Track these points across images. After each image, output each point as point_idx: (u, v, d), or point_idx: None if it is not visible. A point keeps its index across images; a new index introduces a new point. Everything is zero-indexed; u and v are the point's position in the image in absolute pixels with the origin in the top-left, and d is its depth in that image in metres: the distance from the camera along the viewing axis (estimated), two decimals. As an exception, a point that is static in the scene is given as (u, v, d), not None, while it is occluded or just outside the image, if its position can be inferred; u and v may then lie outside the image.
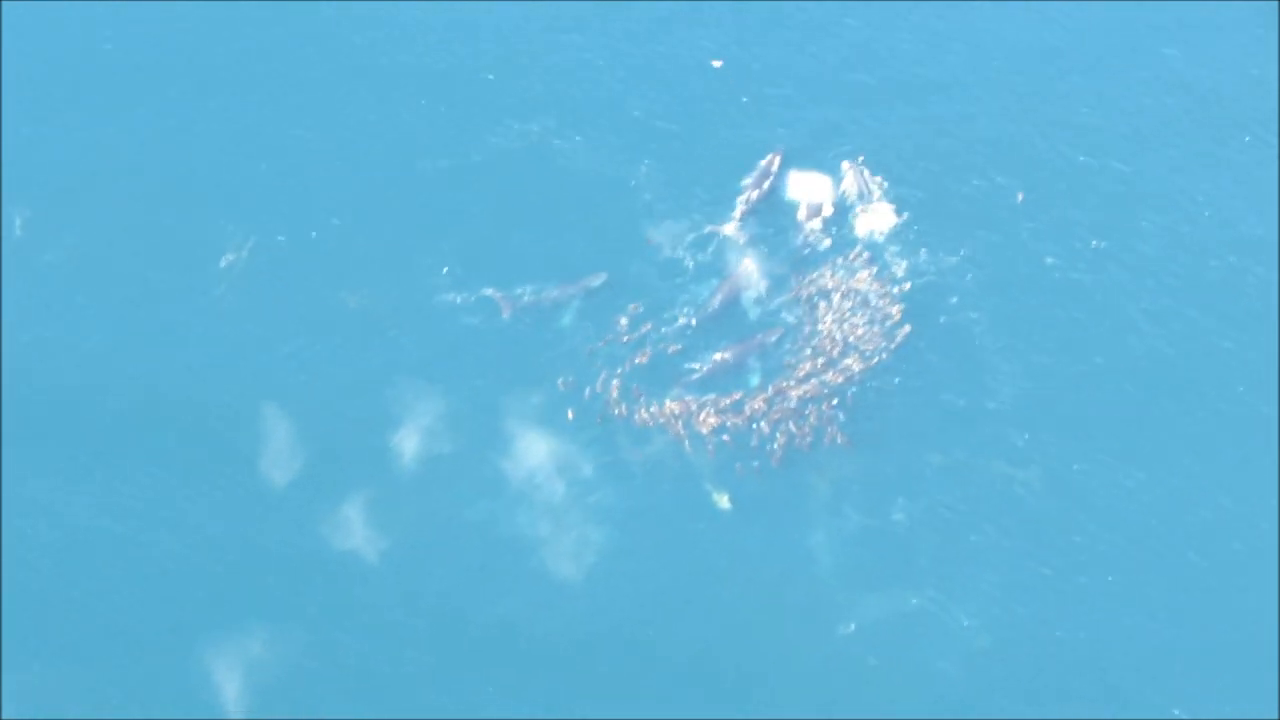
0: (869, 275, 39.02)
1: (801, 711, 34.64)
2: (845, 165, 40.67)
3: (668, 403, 37.63)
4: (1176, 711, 34.41)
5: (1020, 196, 40.39)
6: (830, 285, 38.99)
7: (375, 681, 34.95)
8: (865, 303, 38.63)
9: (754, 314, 38.86)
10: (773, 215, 40.28)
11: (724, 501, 36.63)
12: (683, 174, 40.94)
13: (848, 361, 37.97)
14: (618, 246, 39.88)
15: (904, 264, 39.28)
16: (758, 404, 37.46)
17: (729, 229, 40.01)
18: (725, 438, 37.20)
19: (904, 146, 41.21)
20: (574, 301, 39.06)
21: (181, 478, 37.08)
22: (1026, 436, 37.27)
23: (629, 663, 35.16)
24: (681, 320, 38.76)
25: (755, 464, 36.93)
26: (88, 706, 34.81)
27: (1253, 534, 36.13)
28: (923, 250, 39.48)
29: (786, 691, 34.82)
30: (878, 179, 40.43)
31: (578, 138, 41.62)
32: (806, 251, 39.66)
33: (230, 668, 34.92)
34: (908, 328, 38.30)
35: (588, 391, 37.91)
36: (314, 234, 40.35)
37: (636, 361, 38.22)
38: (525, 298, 39.13)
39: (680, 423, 37.36)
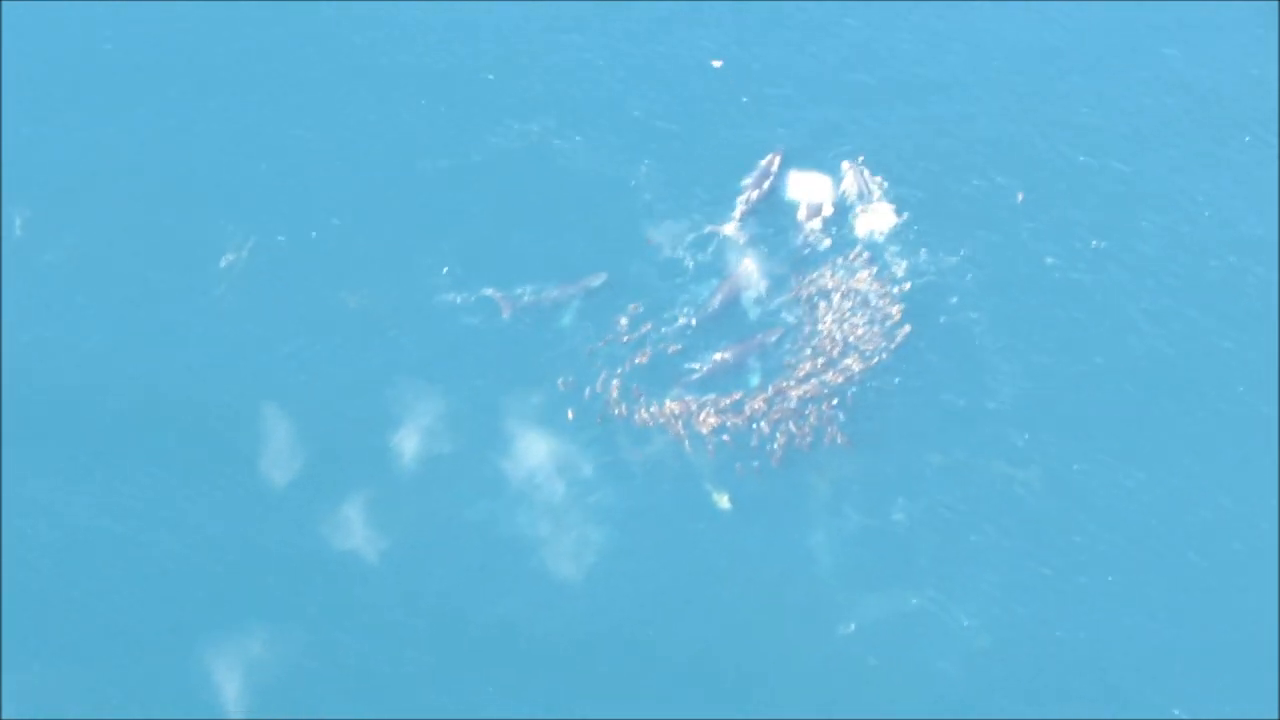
0: (869, 275, 38.93)
1: (801, 711, 34.56)
2: (845, 165, 40.58)
3: (668, 403, 37.55)
4: (1177, 711, 34.32)
5: (1020, 196, 40.30)
6: (830, 285, 38.90)
7: (375, 681, 34.87)
8: (865, 303, 38.54)
9: (754, 314, 38.78)
10: (773, 215, 40.19)
11: (724, 501, 36.55)
12: (683, 174, 40.85)
13: (848, 361, 37.88)
14: (618, 246, 39.79)
15: (904, 264, 39.19)
16: (758, 404, 37.37)
17: (729, 229, 39.93)
18: (725, 438, 37.11)
19: (904, 146, 41.12)
20: (574, 301, 38.97)
21: (181, 477, 36.99)
22: (1026, 436, 37.18)
23: (629, 663, 35.07)
24: (681, 320, 38.68)
25: (755, 464, 36.84)
26: (88, 706, 34.73)
27: (1253, 534, 36.03)
28: (923, 250, 39.39)
29: (786, 691, 34.73)
30: (878, 179, 40.34)
31: (578, 138, 41.53)
32: (806, 251, 39.58)
33: (230, 668, 34.83)
34: (908, 328, 38.21)
35: (588, 391, 37.82)
36: (314, 234, 40.25)
37: (636, 361, 38.14)
38: (525, 298, 39.04)
39: (680, 423, 37.27)
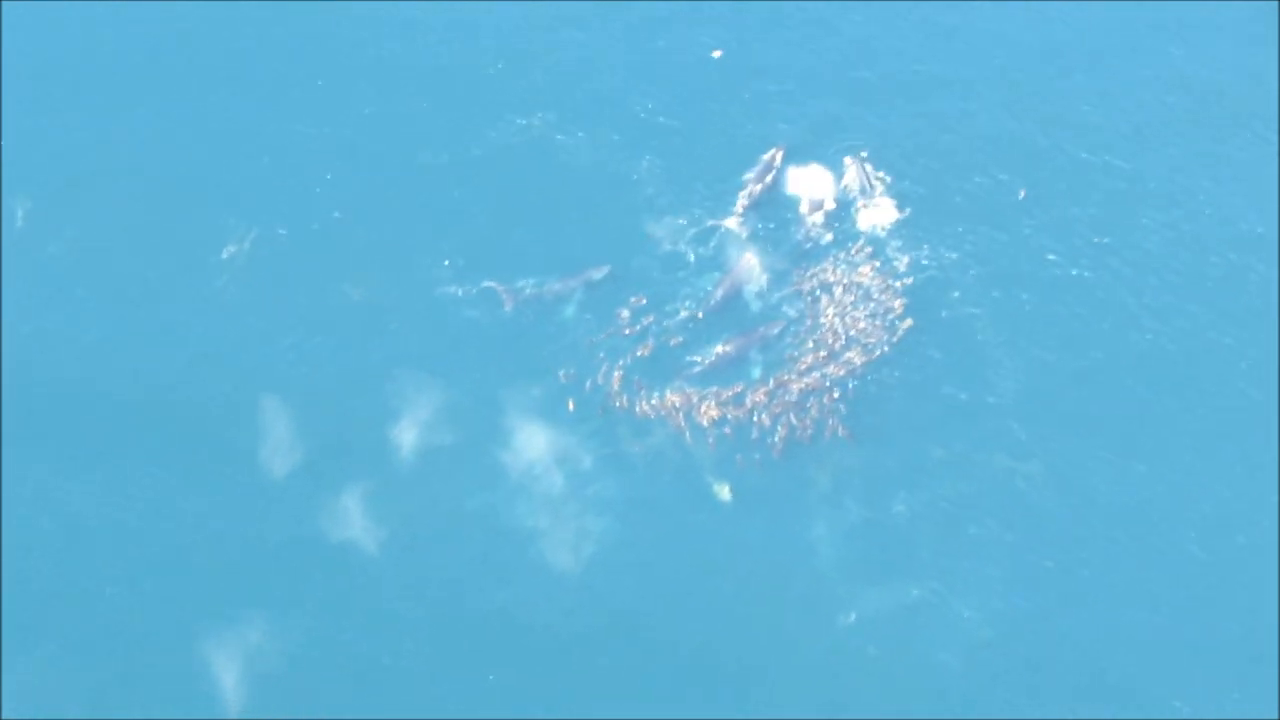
0: (871, 269, 38.79)
1: (802, 702, 34.41)
2: (847, 160, 40.51)
3: (669, 394, 37.44)
4: (1177, 705, 34.23)
5: (1022, 193, 40.20)
6: (832, 279, 38.78)
7: (375, 672, 34.77)
8: (867, 296, 38.44)
9: (756, 307, 38.67)
10: (775, 210, 40.08)
11: (725, 493, 36.40)
12: (685, 168, 40.77)
13: (849, 354, 37.77)
14: (620, 240, 39.69)
15: (906, 259, 39.09)
16: (759, 396, 37.24)
17: (731, 223, 39.83)
18: (726, 430, 36.95)
19: (906, 142, 41.06)
20: (576, 294, 38.89)
21: (182, 468, 37.01)
22: (1027, 430, 37.08)
23: (629, 653, 34.98)
24: (684, 313, 38.59)
25: (756, 456, 36.72)
26: (88, 696, 34.71)
27: (1254, 528, 35.92)
28: (925, 245, 39.30)
29: (787, 683, 34.61)
30: (880, 174, 40.29)
31: (580, 133, 41.46)
32: (808, 246, 39.48)
33: (230, 657, 34.81)
34: (909, 321, 38.13)
35: (589, 383, 37.72)
36: (315, 227, 40.17)
37: (638, 354, 38.06)
38: (527, 290, 38.93)
39: (681, 414, 37.12)
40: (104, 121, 41.85)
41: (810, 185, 40.28)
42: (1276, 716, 34.00)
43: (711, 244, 39.55)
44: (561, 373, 37.83)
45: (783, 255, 39.35)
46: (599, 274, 38.99)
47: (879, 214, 39.74)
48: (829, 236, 39.55)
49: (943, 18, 43.17)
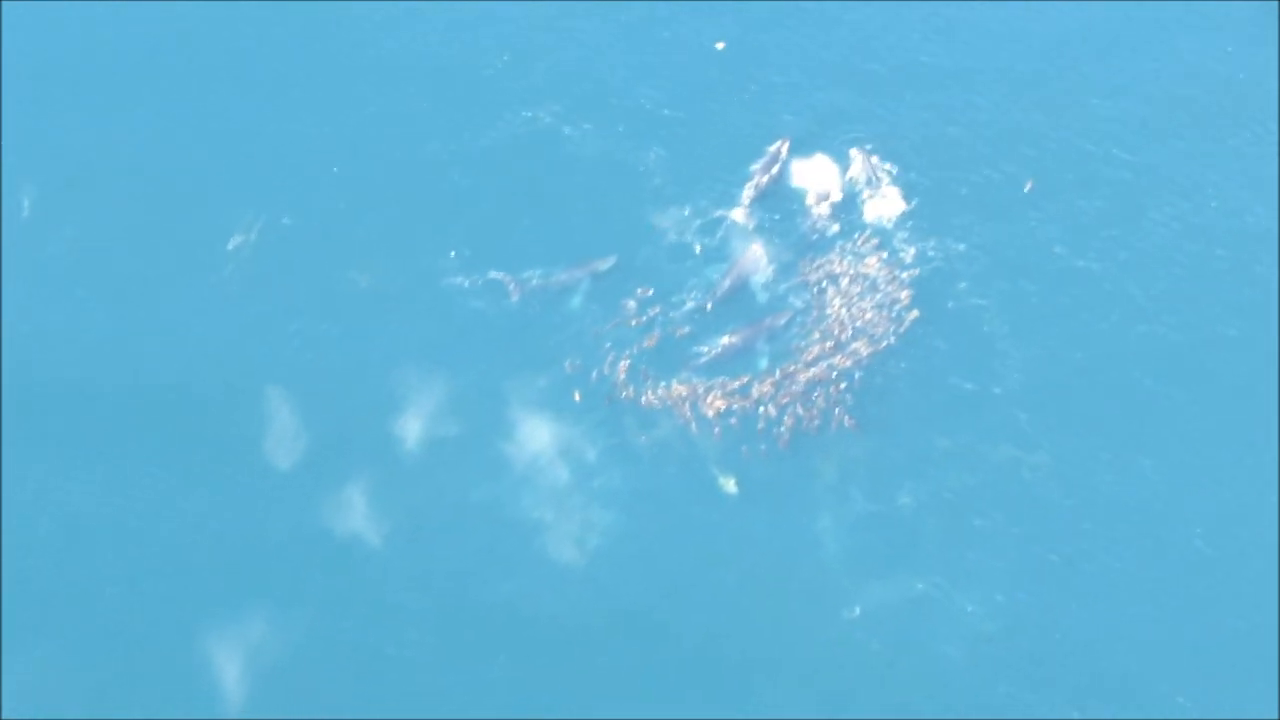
0: (877, 261, 38.60)
1: (805, 695, 34.27)
2: (854, 152, 40.26)
3: (675, 385, 37.28)
4: (1181, 700, 34.01)
5: (1029, 185, 39.94)
6: (839, 270, 38.58)
7: (379, 665, 34.64)
8: (874, 287, 38.23)
9: (762, 298, 38.48)
10: (781, 201, 39.86)
11: (730, 485, 36.24)
12: (691, 160, 40.54)
13: (856, 345, 37.56)
14: (626, 231, 39.47)
15: (912, 250, 38.86)
16: (765, 387, 37.06)
17: (738, 214, 39.62)
18: (732, 421, 36.78)
19: (913, 134, 40.77)
20: (583, 284, 38.71)
21: (185, 461, 36.85)
22: (1033, 422, 36.86)
23: (633, 645, 34.85)
24: (690, 304, 38.41)
25: (762, 447, 36.52)
26: (90, 691, 34.60)
27: (1259, 522, 35.66)
28: (931, 237, 39.05)
29: (790, 675, 34.46)
30: (886, 166, 40.04)
31: (586, 125, 41.22)
32: (815, 237, 39.25)
33: (233, 650, 34.70)
34: (916, 312, 37.90)
35: (594, 374, 37.56)
36: (322, 218, 39.95)
37: (645, 344, 37.87)
38: (534, 281, 38.77)
39: (687, 405, 36.97)
40: (110, 113, 41.58)
41: (816, 176, 40.03)
42: (1277, 716, 33.77)
43: (718, 235, 39.33)
44: (567, 363, 37.64)
45: (789, 246, 39.12)
46: (605, 265, 38.77)
47: (885, 205, 39.50)
48: (835, 228, 39.31)
49: (949, 9, 42.81)
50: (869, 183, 39.82)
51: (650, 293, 38.53)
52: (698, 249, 39.15)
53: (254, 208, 40.04)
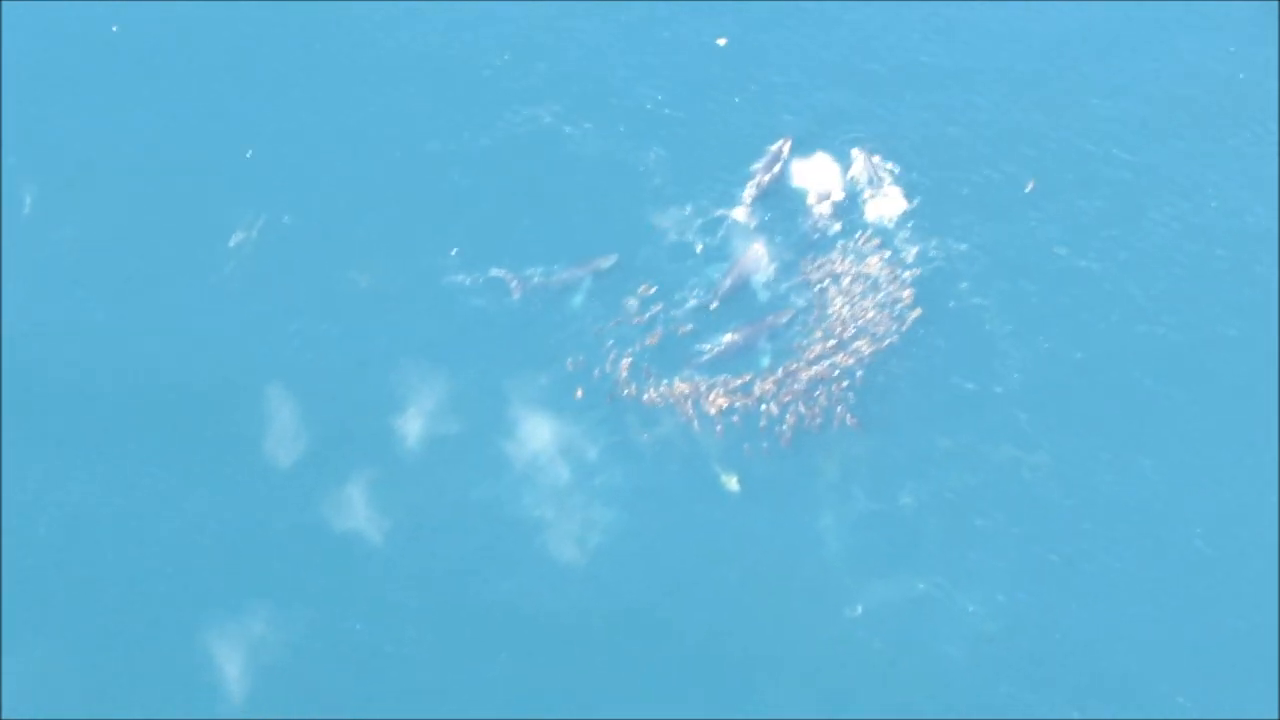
0: (879, 260, 38.41)
1: (807, 695, 34.13)
2: (855, 151, 40.09)
3: (677, 383, 37.12)
4: (1181, 700, 33.87)
5: (1030, 185, 39.75)
6: (840, 269, 38.40)
7: (379, 662, 34.53)
8: (875, 286, 38.06)
9: (764, 296, 38.30)
10: (783, 200, 39.68)
11: (732, 483, 36.05)
12: (693, 159, 40.36)
13: (858, 344, 37.40)
14: (628, 230, 39.29)
15: (914, 249, 38.69)
16: (767, 385, 36.90)
17: (739, 213, 39.44)
18: (734, 419, 36.61)
19: (914, 134, 40.59)
20: (584, 283, 38.53)
21: (185, 458, 36.79)
22: (1034, 422, 36.70)
23: (634, 643, 34.73)
24: (692, 302, 38.26)
25: (764, 445, 36.37)
26: (91, 687, 34.49)
27: (1259, 522, 35.49)
28: (933, 236, 38.88)
29: (792, 675, 34.31)
30: (888, 165, 39.86)
31: (587, 124, 41.04)
32: (816, 236, 39.08)
33: (233, 647, 34.60)
34: (918, 311, 37.73)
35: (596, 372, 37.39)
36: (323, 215, 39.77)
37: (647, 342, 37.72)
38: (535, 279, 38.59)
39: (689, 403, 36.80)
40: (112, 110, 41.43)
41: (818, 176, 39.83)
42: (1277, 716, 33.59)
43: (719, 234, 39.15)
44: (569, 361, 37.45)
45: (791, 245, 38.92)
46: (607, 263, 38.60)
47: (887, 205, 39.32)
48: (837, 227, 39.11)
49: (950, 9, 42.58)
50: (870, 182, 39.63)
51: (652, 291, 38.36)
52: (699, 248, 38.98)
53: (255, 206, 39.86)
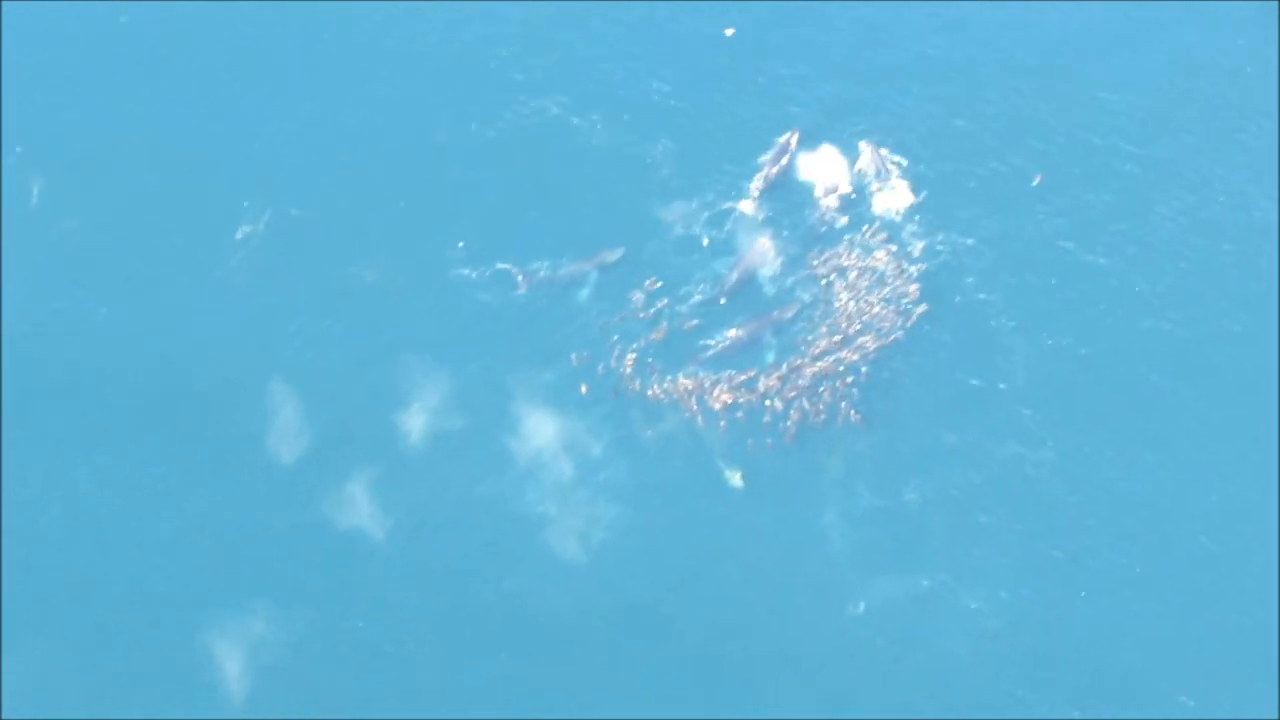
0: (886, 254, 38.03)
1: (810, 692, 33.80)
2: (863, 145, 39.67)
3: (681, 378, 36.75)
4: (1184, 699, 33.49)
5: (1037, 179, 39.34)
6: (846, 263, 38.01)
7: (381, 661, 34.27)
8: (881, 281, 37.67)
9: (770, 291, 37.89)
10: (790, 193, 39.28)
11: (736, 479, 35.68)
12: (700, 152, 39.99)
13: (863, 339, 37.01)
14: (634, 223, 38.90)
15: (920, 244, 38.30)
16: (772, 381, 36.51)
17: (746, 206, 39.04)
18: (739, 414, 36.25)
19: (922, 127, 40.18)
20: (590, 276, 38.15)
21: (187, 453, 36.52)
22: (1039, 418, 36.30)
23: (637, 640, 34.41)
24: (698, 296, 37.88)
25: (768, 441, 36.01)
26: (92, 685, 34.24)
27: (1265, 519, 35.04)
28: (939, 230, 38.48)
29: (795, 672, 33.98)
30: (895, 159, 39.47)
31: (595, 116, 40.64)
32: (823, 230, 38.71)
33: (234, 646, 34.36)
34: (924, 306, 37.35)
35: (601, 367, 37.02)
36: (329, 208, 39.43)
37: (652, 337, 37.36)
38: (541, 272, 38.22)
39: (693, 399, 36.43)
40: (120, 103, 41.10)
41: (825, 169, 39.41)
42: (1278, 715, 33.23)
43: (726, 227, 38.76)
44: (574, 356, 37.09)
45: (797, 239, 38.51)
46: (613, 256, 38.21)
47: (894, 198, 38.90)
48: (844, 221, 38.70)
49: (959, 3, 42.13)
50: (878, 175, 39.27)
51: (658, 285, 37.98)
52: (705, 241, 38.63)
53: (262, 198, 39.53)
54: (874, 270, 37.80)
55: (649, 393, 36.60)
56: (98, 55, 41.87)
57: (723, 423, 36.16)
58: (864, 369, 36.66)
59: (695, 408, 36.32)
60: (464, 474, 35.89)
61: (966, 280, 37.78)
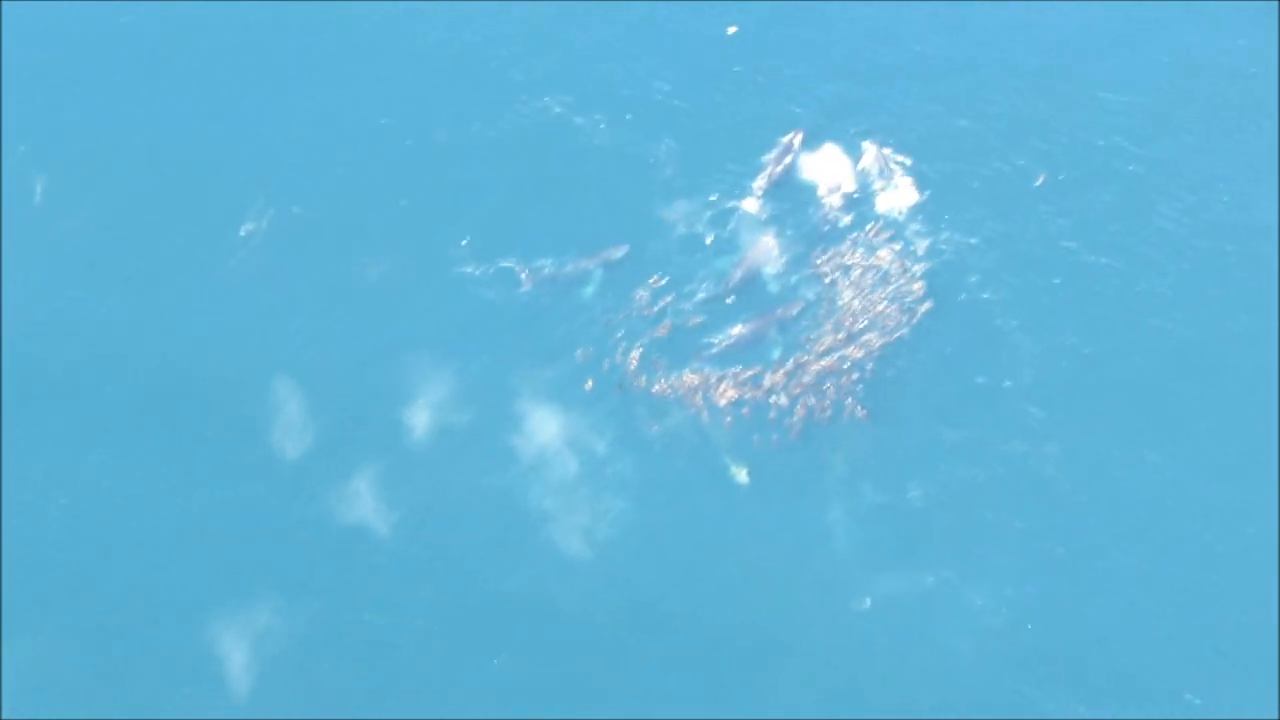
0: (890, 253, 37.79)
1: (814, 689, 33.43)
2: (866, 144, 39.47)
3: (686, 375, 36.50)
4: (1189, 697, 33.12)
5: (1040, 178, 39.12)
6: (850, 261, 37.78)
7: (385, 655, 34.01)
8: (886, 279, 37.42)
9: (774, 288, 37.64)
10: (794, 192, 39.03)
11: (741, 475, 35.38)
12: (704, 150, 39.79)
13: (868, 336, 36.74)
14: (638, 221, 38.69)
15: (924, 242, 38.03)
16: (777, 377, 36.24)
17: (750, 205, 38.82)
18: (744, 411, 35.96)
19: (925, 126, 39.97)
20: (595, 274, 37.92)
21: (192, 448, 36.27)
22: (1044, 416, 35.94)
23: (642, 635, 34.07)
24: (702, 294, 37.63)
25: (774, 437, 35.70)
26: (96, 678, 34.03)
27: (1268, 518, 34.67)
28: (943, 229, 38.21)
29: (799, 668, 33.62)
30: (899, 158, 39.27)
31: (598, 115, 40.48)
32: (827, 228, 38.44)
33: (239, 640, 34.10)
34: (928, 304, 37.08)
35: (606, 364, 36.78)
36: (333, 205, 39.25)
37: (657, 334, 37.12)
38: (546, 270, 38.02)
39: (699, 395, 36.19)
40: (124, 99, 41.03)
41: (828, 168, 39.20)
42: (1278, 715, 32.91)
43: (729, 226, 38.53)
44: (579, 352, 36.84)
45: (801, 237, 38.25)
46: (618, 254, 37.98)
47: (898, 197, 38.67)
48: (847, 219, 38.45)
49: (961, 2, 42.07)
50: (881, 174, 39.04)
51: (663, 282, 37.74)
52: (709, 240, 38.40)
53: (265, 196, 39.40)
54: (878, 268, 37.54)
55: (654, 389, 36.34)
56: (101, 53, 41.80)
57: (728, 419, 35.88)
58: (869, 366, 36.37)
59: (700, 404, 36.07)
60: (468, 470, 35.62)
61: (970, 279, 37.52)
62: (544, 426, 35.96)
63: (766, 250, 37.95)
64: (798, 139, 39.44)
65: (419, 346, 37.07)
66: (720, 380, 36.29)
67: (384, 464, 35.73)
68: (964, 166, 39.27)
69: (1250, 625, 33.62)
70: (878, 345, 36.56)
